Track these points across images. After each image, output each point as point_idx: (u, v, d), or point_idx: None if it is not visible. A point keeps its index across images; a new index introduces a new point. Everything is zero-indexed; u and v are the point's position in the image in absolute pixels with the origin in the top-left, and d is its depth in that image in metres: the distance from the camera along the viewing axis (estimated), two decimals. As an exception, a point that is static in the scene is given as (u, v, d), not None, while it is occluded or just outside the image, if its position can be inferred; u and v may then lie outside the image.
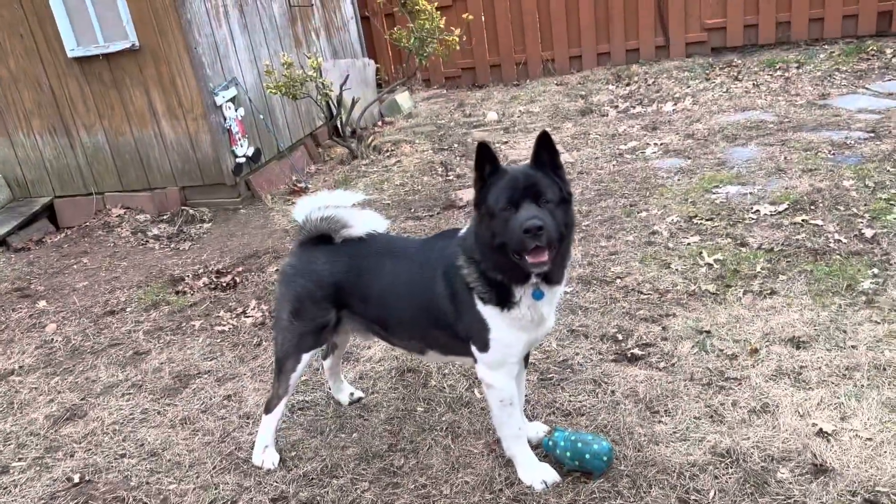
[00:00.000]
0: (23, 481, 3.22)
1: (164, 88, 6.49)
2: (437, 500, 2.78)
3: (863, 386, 3.07)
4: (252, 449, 3.19)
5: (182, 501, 2.98)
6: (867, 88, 7.20)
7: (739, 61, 8.97)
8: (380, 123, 9.06)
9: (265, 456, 3.12)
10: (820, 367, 3.23)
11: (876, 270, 3.90)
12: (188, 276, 5.37)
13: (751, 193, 5.14)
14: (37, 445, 3.49)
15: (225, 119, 6.62)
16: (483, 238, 2.45)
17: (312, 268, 2.96)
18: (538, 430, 3.02)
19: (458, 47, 7.81)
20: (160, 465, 3.24)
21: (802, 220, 4.58)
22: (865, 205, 4.63)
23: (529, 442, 2.88)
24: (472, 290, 2.57)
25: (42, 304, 5.25)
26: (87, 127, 6.84)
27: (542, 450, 2.91)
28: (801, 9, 9.04)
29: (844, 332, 3.45)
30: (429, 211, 5.96)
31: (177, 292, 5.12)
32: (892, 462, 2.64)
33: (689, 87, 8.41)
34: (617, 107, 8.21)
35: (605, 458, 2.75)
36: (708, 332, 3.64)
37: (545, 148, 2.43)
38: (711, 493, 2.63)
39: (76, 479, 3.18)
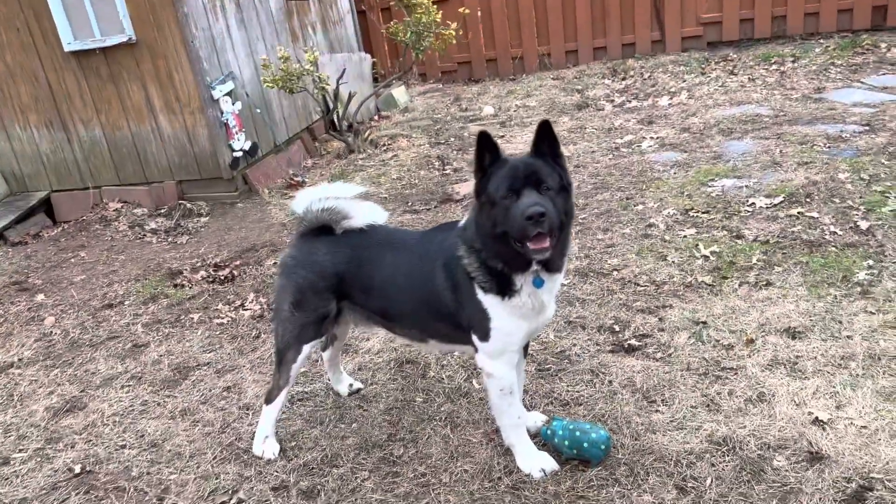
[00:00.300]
0: (24, 472, 3.24)
1: (161, 83, 6.49)
2: (437, 489, 2.81)
3: (858, 375, 3.10)
4: (252, 439, 3.21)
5: (183, 491, 3.00)
6: (862, 82, 7.23)
7: (735, 55, 8.99)
8: (376, 118, 9.06)
9: (266, 446, 3.14)
10: (815, 357, 3.26)
11: (871, 262, 3.94)
12: (186, 269, 5.38)
13: (746, 186, 5.17)
14: (37, 437, 3.51)
15: (222, 113, 6.62)
16: (484, 227, 2.48)
17: (314, 259, 2.97)
18: (536, 419, 3.05)
19: (454, 41, 7.82)
20: (161, 455, 3.25)
21: (798, 213, 4.61)
22: (860, 197, 4.66)
23: (528, 431, 2.91)
24: (472, 280, 2.59)
25: (40, 297, 5.26)
26: (85, 121, 6.84)
27: (541, 439, 2.94)
28: (796, 3, 9.07)
29: (840, 322, 3.49)
30: (426, 205, 5.97)
31: (175, 285, 5.13)
32: (886, 449, 2.67)
33: (684, 81, 8.42)
34: (613, 101, 8.22)
35: (602, 447, 2.78)
36: (704, 322, 3.67)
37: (546, 137, 2.45)
38: (708, 481, 2.66)
39: (77, 469, 3.20)
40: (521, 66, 10.33)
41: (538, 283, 2.51)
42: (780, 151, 5.70)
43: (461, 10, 8.08)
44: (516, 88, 9.54)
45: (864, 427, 2.80)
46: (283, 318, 3.05)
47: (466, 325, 2.72)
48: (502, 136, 7.51)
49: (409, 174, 6.83)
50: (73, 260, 6.00)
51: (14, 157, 7.17)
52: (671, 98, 7.86)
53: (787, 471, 2.65)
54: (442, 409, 3.31)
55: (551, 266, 2.52)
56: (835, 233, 4.30)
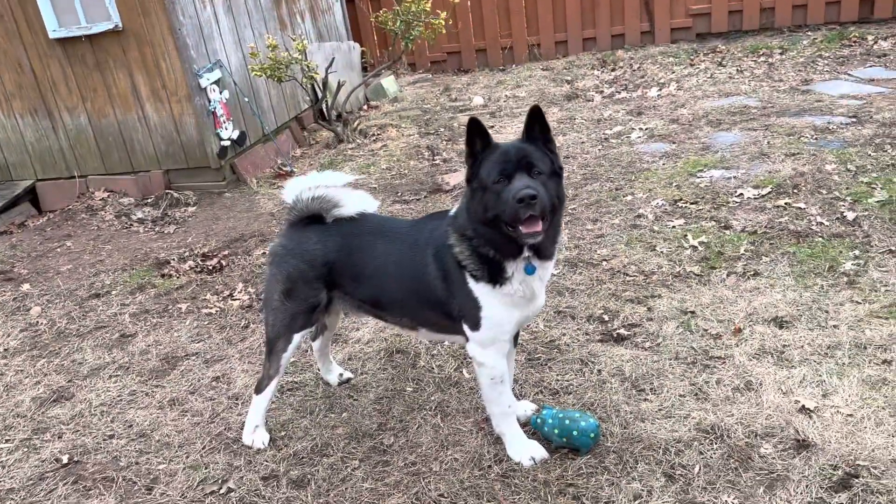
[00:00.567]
0: (10, 462, 3.22)
1: (148, 70, 6.42)
2: (427, 477, 2.81)
3: (844, 364, 3.13)
4: (242, 429, 3.20)
5: (172, 481, 2.99)
6: (849, 74, 7.27)
7: (724, 47, 9.01)
8: (365, 107, 9.02)
9: (255, 435, 3.13)
10: (802, 346, 3.29)
11: (857, 252, 3.97)
12: (174, 259, 5.35)
13: (734, 177, 5.19)
14: (24, 427, 3.48)
15: (209, 102, 6.57)
16: (475, 212, 2.47)
17: (304, 248, 2.96)
18: (526, 408, 3.06)
19: (444, 31, 7.78)
20: (149, 445, 3.24)
21: (785, 204, 4.64)
22: (847, 188, 4.70)
23: (518, 420, 2.92)
24: (463, 269, 2.59)
25: (26, 287, 5.21)
26: (70, 109, 6.76)
27: (531, 427, 2.95)
28: (784, -5, 9.10)
29: (826, 311, 3.52)
30: (415, 195, 5.96)
31: (162, 275, 5.10)
32: (871, 437, 2.71)
33: (673, 72, 8.44)
34: (602, 92, 8.23)
35: (592, 435, 2.80)
36: (692, 312, 3.69)
37: (537, 122, 2.46)
38: (696, 468, 2.68)
39: (65, 459, 3.18)
40: (510, 57, 10.31)
41: (530, 271, 2.52)
42: (768, 143, 5.73)
43: (451, -1, 8.06)
44: (506, 79, 9.52)
45: (850, 415, 2.83)
46: (273, 308, 3.03)
47: (457, 314, 2.72)
48: (492, 127, 7.49)
49: (398, 164, 6.81)
50: (58, 249, 5.95)
51: (-2, 146, 7.08)
52: (660, 89, 7.87)
53: (774, 458, 2.68)
54: (432, 398, 3.32)
55: (543, 253, 2.52)
56: (822, 223, 4.33)
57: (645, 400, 3.09)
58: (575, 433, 2.79)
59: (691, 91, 7.61)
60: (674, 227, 4.62)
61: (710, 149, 5.86)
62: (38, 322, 4.61)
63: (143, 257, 5.51)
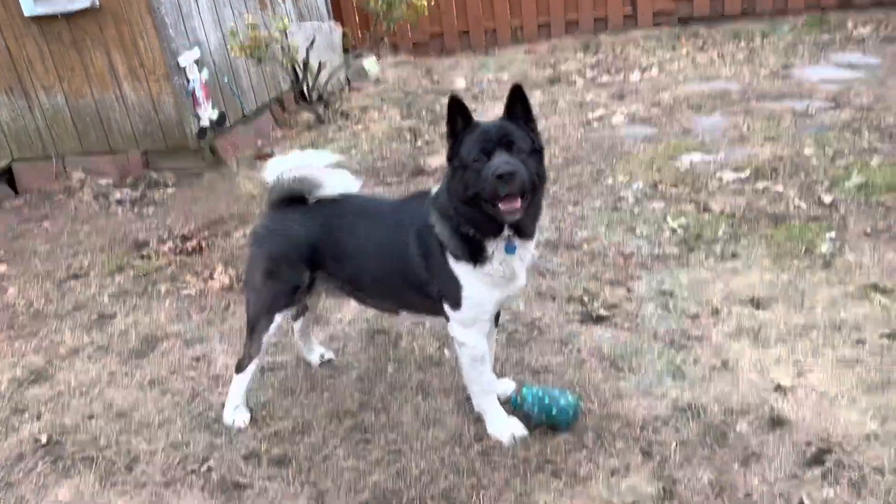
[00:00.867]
0: (-12, 442, 3.19)
1: (126, 49, 6.32)
2: (408, 455, 2.83)
3: (819, 344, 3.19)
4: (223, 409, 3.19)
5: (152, 460, 2.99)
6: (829, 60, 7.34)
7: (705, 32, 9.03)
8: (347, 89, 8.95)
9: (236, 415, 3.13)
10: (778, 326, 3.34)
11: (833, 235, 4.03)
12: (153, 240, 5.30)
13: (714, 161, 5.23)
14: (2, 407, 3.45)
15: (188, 81, 6.48)
16: (456, 191, 2.47)
17: (286, 228, 2.95)
18: (507, 386, 3.09)
19: (426, 12, 7.72)
20: (129, 425, 3.23)
21: (764, 187, 4.69)
22: (825, 172, 4.75)
23: (498, 398, 2.94)
24: (444, 248, 2.60)
25: (2, 268, 5.14)
26: (46, 88, 6.64)
27: (511, 406, 2.97)
28: (766, -20, 9.13)
29: (802, 292, 3.57)
30: (397, 177, 5.95)
31: (141, 256, 5.05)
32: (845, 415, 2.77)
33: (655, 56, 8.45)
34: (585, 75, 8.22)
35: (571, 413, 2.83)
36: (671, 293, 3.73)
37: (518, 100, 2.46)
38: (673, 445, 2.72)
39: (43, 439, 3.16)
40: (493, 39, 10.26)
41: (510, 250, 2.53)
42: (748, 127, 5.78)
43: (433, -20, 7.99)
44: (489, 62, 9.48)
45: (825, 393, 2.89)
46: (254, 288, 3.03)
47: (438, 295, 2.73)
48: (475, 110, 7.40)
49: (380, 146, 6.78)
50: (36, 231, 5.86)
51: (-28, 125, 6.94)
52: (642, 73, 7.88)
53: (749, 435, 2.73)
54: (413, 378, 3.33)
55: (523, 231, 2.53)
56: (799, 206, 4.39)
57: (623, 379, 3.13)
58: (554, 411, 2.82)
59: (673, 75, 7.63)
60: (654, 209, 4.66)
61: (690, 132, 5.89)
62: (15, 303, 4.56)
63: (121, 239, 5.45)
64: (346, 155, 6.61)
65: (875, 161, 4.80)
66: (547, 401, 2.85)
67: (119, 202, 6.27)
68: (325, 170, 2.99)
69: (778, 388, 2.95)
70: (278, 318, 3.01)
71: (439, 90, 8.52)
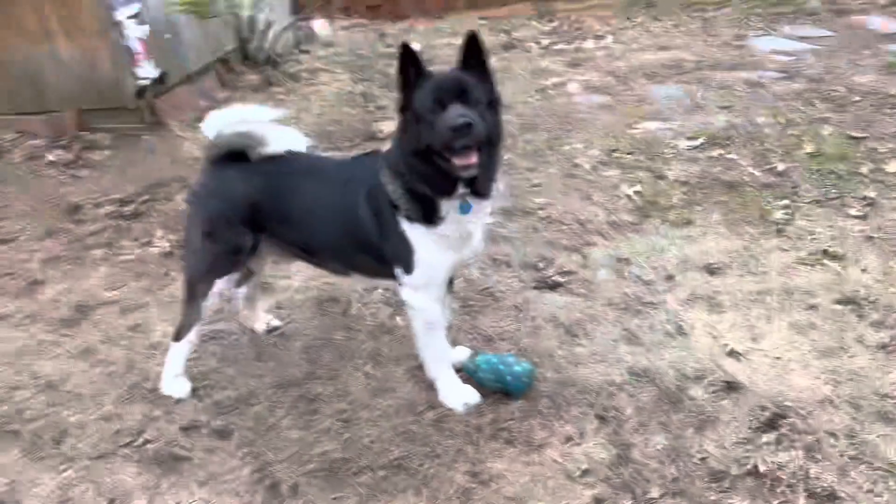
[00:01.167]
0: None
1: (58, 2, 5.92)
2: (358, 424, 2.73)
3: (773, 309, 3.18)
4: (161, 379, 3.02)
5: (82, 434, 2.80)
6: (781, 31, 7.39)
7: (660, 1, 9.01)
8: (296, 51, 8.64)
9: (175, 385, 2.96)
10: (732, 292, 3.33)
11: (786, 202, 4.04)
12: (88, 204, 5.01)
13: (669, 129, 5.21)
14: (-82, 379, 3.21)
15: (126, 38, 6.12)
16: (408, 144, 2.34)
17: (227, 187, 2.78)
18: (461, 354, 2.99)
19: (379, -27, 7.48)
20: (58, 397, 3.03)
21: (718, 154, 4.68)
22: (778, 140, 4.77)
23: (453, 366, 2.85)
24: (396, 208, 2.46)
25: (-78, 232, 4.80)
26: (-30, 42, 6.20)
27: (465, 373, 2.88)
28: (721, -49, 9.11)
29: (756, 259, 3.57)
30: (350, 142, 5.76)
31: (75, 221, 4.77)
32: (798, 379, 2.77)
33: (610, 25, 8.40)
34: (540, 43, 8.12)
35: (525, 380, 2.76)
36: (626, 259, 3.69)
37: (473, 50, 2.33)
38: (629, 411, 2.68)
39: (-36, 413, 2.95)
40: (448, 5, 10.06)
41: (466, 209, 2.40)
42: (702, 96, 5.77)
43: (386, -60, 7.75)
44: (444, 27, 9.29)
45: (778, 358, 2.89)
46: (193, 250, 2.86)
47: (390, 257, 2.60)
48: (428, 75, 7.30)
49: (331, 110, 6.57)
50: (-40, 193, 5.50)
51: None
52: (597, 42, 7.82)
53: (704, 400, 2.70)
54: (364, 346, 3.21)
55: (479, 190, 2.40)
56: (753, 174, 4.39)
57: (578, 345, 3.08)
58: (509, 378, 2.75)
59: (627, 45, 7.59)
60: (609, 176, 4.60)
61: (645, 101, 5.85)
62: (-65, 269, 4.26)
63: (54, 202, 5.14)
64: (296, 119, 6.38)
65: (826, 130, 4.84)
66: (501, 368, 2.77)
67: (52, 164, 5.92)
68: (270, 125, 2.81)
69: (732, 353, 2.94)
70: (219, 283, 2.84)
71: (392, 54, 8.30)
